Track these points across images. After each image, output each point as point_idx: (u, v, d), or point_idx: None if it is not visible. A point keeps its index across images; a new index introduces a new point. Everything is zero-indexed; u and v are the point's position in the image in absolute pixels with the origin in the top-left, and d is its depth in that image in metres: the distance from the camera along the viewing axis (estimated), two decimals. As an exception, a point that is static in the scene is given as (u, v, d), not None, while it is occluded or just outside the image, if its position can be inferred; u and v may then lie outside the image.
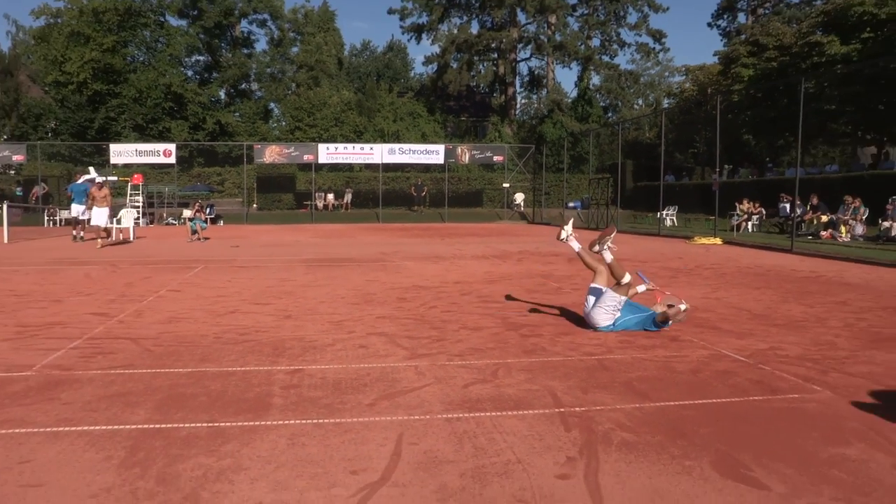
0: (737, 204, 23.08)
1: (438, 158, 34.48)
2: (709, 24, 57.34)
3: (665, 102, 62.56)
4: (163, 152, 32.59)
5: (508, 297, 8.23)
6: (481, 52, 53.28)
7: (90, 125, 43.74)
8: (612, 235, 6.55)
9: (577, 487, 2.86)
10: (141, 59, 49.22)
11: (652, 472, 3.01)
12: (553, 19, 52.51)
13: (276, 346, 5.57)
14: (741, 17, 53.48)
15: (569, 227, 6.78)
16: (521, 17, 53.40)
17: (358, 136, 44.88)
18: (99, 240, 16.55)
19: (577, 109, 50.67)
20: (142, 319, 6.73)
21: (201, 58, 53.11)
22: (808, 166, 33.48)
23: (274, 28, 55.06)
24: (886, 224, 17.62)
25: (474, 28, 53.32)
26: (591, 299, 6.20)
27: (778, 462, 3.13)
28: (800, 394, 4.25)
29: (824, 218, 19.66)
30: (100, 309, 7.34)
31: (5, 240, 17.80)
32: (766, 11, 49.61)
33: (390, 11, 54.51)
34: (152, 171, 36.70)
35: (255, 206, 37.26)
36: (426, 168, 38.26)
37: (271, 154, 33.39)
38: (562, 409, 3.92)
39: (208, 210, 27.87)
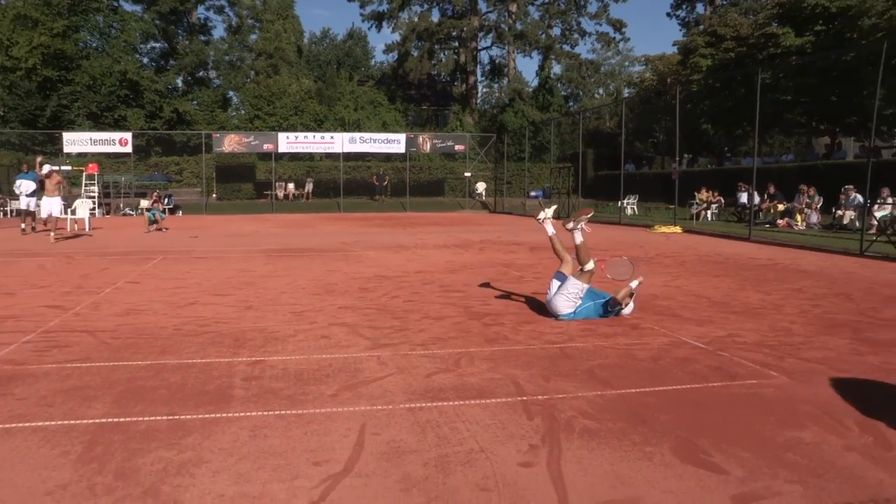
0: (696, 193, 23.41)
1: (400, 147, 34.35)
2: (668, 15, 58.02)
3: (625, 92, 63.07)
4: (118, 141, 31.87)
5: (481, 286, 8.24)
6: (442, 41, 53.13)
7: (41, 113, 42.54)
8: (588, 216, 6.61)
9: (540, 475, 2.88)
10: (94, 45, 47.97)
11: (614, 459, 3.04)
12: (514, 8, 52.57)
13: (237, 337, 5.51)
14: (700, 8, 54.08)
15: (549, 211, 6.87)
16: (482, 6, 53.40)
17: (318, 125, 44.46)
18: (51, 233, 15.51)
19: (539, 98, 50.85)
20: (99, 312, 6.60)
21: (157, 45, 52.09)
22: (765, 156, 34.04)
23: (232, 15, 54.21)
24: (840, 213, 18.05)
25: (435, 16, 53.14)
26: (556, 284, 6.26)
27: (736, 447, 3.19)
28: (757, 379, 4.33)
29: (781, 207, 20.05)
30: (55, 301, 7.18)
31: (-46, 231, 17.32)
32: (724, 2, 50.16)
33: (350, -1, 54.05)
34: (108, 161, 35.89)
35: (214, 195, 36.69)
36: (387, 157, 38.08)
37: (230, 143, 32.91)
38: (524, 398, 3.94)
39: (166, 200, 27.40)
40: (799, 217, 18.96)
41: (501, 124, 46.72)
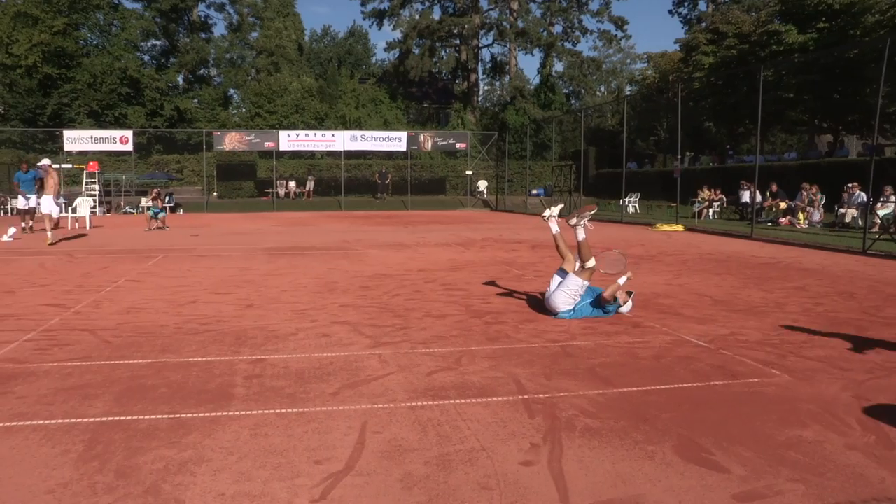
0: (698, 191, 23.37)
1: (401, 145, 34.35)
2: (670, 12, 57.75)
3: (627, 90, 63.06)
4: (119, 139, 31.87)
5: (483, 285, 8.24)
6: (443, 39, 53.01)
7: (42, 111, 42.48)
8: (592, 212, 6.61)
9: (541, 474, 2.87)
10: (94, 42, 47.91)
11: (615, 458, 3.03)
12: (515, 5, 52.46)
13: (238, 335, 5.51)
14: (702, 5, 53.92)
15: (555, 209, 6.89)
16: (483, 3, 53.27)
17: (319, 123, 44.41)
18: (49, 233, 14.32)
19: (540, 96, 50.78)
20: (100, 310, 6.60)
21: (158, 42, 52.07)
22: (768, 154, 34.00)
23: (232, 12, 54.22)
24: (842, 211, 18.02)
25: (436, 14, 53.01)
26: (557, 280, 6.27)
27: (738, 445, 3.18)
28: (759, 378, 4.32)
29: (783, 205, 20.01)
30: (55, 300, 7.18)
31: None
32: (726, 0, 50.14)
33: (351, -4, 53.94)
34: (109, 159, 35.86)
35: (215, 194, 36.70)
36: (388, 155, 38.07)
37: (231, 141, 32.93)
38: (525, 396, 3.94)
39: (167, 199, 27.32)
40: (801, 215, 18.93)
41: (503, 122, 46.67)
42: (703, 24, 42.34)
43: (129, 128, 37.30)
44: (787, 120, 32.73)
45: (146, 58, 51.09)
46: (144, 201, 19.95)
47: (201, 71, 53.90)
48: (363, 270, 9.69)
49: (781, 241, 14.18)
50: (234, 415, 3.61)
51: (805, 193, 19.41)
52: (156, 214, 18.81)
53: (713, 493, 2.70)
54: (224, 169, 37.35)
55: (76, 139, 31.51)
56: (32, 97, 42.28)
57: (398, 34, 54.20)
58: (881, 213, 15.59)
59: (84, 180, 27.53)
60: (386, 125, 45.37)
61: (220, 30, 60.96)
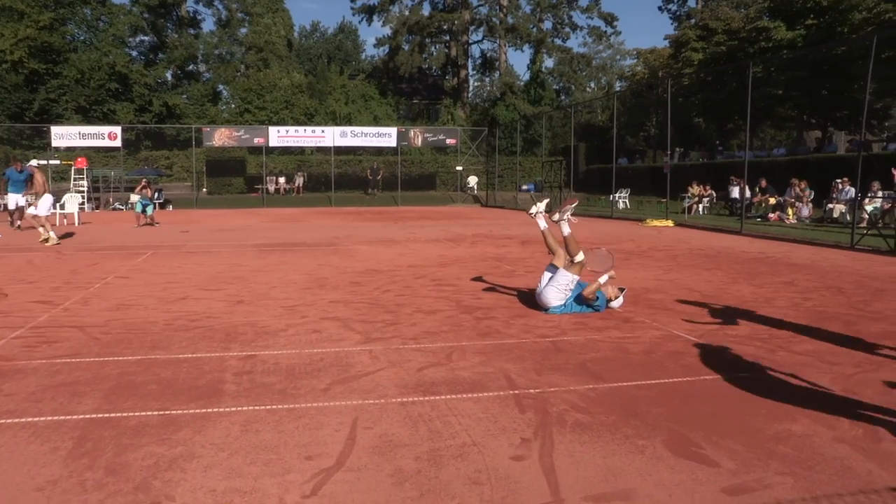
0: (688, 187, 23.46)
1: (391, 141, 34.27)
2: (659, 8, 58.05)
3: (617, 86, 63.14)
4: (108, 135, 31.63)
5: (473, 280, 8.24)
6: (433, 34, 52.93)
7: (28, 106, 42.12)
8: (573, 206, 6.62)
9: (532, 468, 2.88)
10: (82, 38, 47.62)
11: (606, 452, 3.04)
12: (505, 1, 52.44)
13: (228, 332, 5.49)
14: (691, 2, 54.06)
15: (541, 205, 6.88)
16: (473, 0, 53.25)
17: (309, 119, 44.25)
18: (50, 233, 13.51)
19: (530, 92, 50.77)
20: (89, 307, 6.56)
21: (146, 38, 51.75)
22: (757, 149, 34.14)
23: (221, 8, 53.98)
24: (830, 206, 18.12)
25: (426, 10, 52.87)
26: (547, 276, 6.29)
27: (727, 439, 3.20)
28: (749, 372, 4.35)
29: (772, 200, 20.12)
30: (44, 297, 7.14)
31: (-58, 226, 17.17)
32: (716, -4, 50.30)
33: (341, -8, 53.75)
34: (97, 155, 35.56)
35: (204, 190, 36.50)
36: (379, 151, 37.99)
37: (221, 137, 32.76)
38: (516, 391, 3.94)
39: (157, 195, 26.97)
40: (790, 211, 19.04)
41: (493, 118, 46.65)
42: (693, 21, 42.42)
43: (117, 124, 37.00)
44: (775, 116, 32.89)
45: (134, 53, 50.88)
46: (133, 197, 19.33)
47: (190, 67, 53.65)
48: (353, 266, 9.68)
49: (771, 237, 14.26)
50: (225, 411, 3.61)
51: (794, 189, 19.51)
52: (144, 208, 18.55)
53: (703, 486, 2.71)
54: (213, 165, 37.15)
55: (64, 135, 31.27)
56: (19, 93, 41.92)
57: (388, 30, 54.28)
58: (869, 208, 15.69)
59: (72, 176, 27.32)
60: (376, 121, 45.24)
61: (208, 25, 60.74)
